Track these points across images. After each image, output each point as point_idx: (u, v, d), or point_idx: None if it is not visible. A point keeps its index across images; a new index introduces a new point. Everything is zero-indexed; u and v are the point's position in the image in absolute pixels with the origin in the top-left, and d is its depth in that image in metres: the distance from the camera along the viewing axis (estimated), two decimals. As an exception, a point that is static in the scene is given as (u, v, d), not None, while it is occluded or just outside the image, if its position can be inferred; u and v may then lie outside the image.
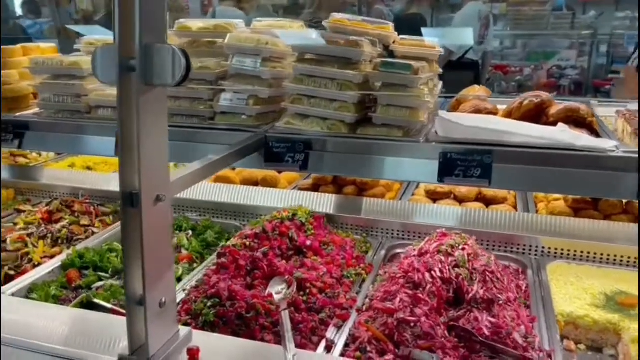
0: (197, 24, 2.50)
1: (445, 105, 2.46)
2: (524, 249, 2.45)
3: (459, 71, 6.75)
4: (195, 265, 2.39)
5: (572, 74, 10.13)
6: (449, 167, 1.88)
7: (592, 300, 2.04)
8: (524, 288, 2.15)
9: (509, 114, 2.11)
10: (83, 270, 2.36)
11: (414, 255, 2.07)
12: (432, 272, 1.94)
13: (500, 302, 1.89)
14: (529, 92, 2.17)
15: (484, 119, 1.98)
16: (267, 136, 2.11)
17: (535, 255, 2.43)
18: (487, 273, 1.99)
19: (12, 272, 2.34)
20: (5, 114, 2.62)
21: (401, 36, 2.35)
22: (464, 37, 5.02)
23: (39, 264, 2.41)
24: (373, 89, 2.18)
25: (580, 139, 1.83)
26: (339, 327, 1.88)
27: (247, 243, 2.25)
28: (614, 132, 2.07)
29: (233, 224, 2.82)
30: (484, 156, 1.85)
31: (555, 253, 2.42)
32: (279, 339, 1.75)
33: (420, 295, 1.87)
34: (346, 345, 1.79)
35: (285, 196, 2.91)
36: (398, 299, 1.87)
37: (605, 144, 1.80)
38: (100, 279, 2.30)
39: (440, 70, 2.41)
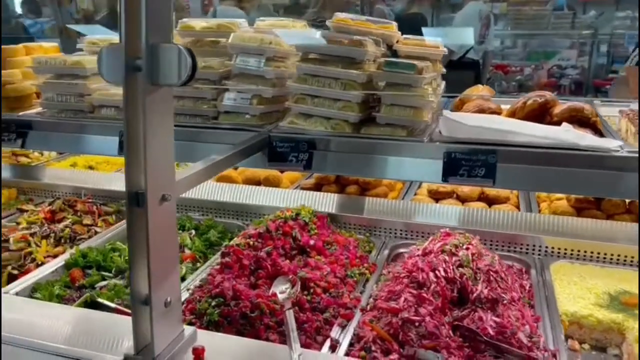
0: (200, 24, 2.51)
1: (448, 105, 2.47)
2: (527, 249, 2.45)
3: (459, 71, 6.75)
4: (198, 264, 2.39)
5: (573, 73, 10.14)
6: (453, 167, 1.88)
7: (596, 300, 2.05)
8: (527, 288, 2.16)
9: (512, 114, 2.11)
10: (86, 270, 2.36)
11: (418, 255, 2.07)
12: (436, 272, 1.94)
13: (505, 301, 1.89)
14: (533, 91, 2.17)
15: (488, 119, 1.98)
16: (270, 136, 2.11)
17: (539, 254, 2.43)
18: (491, 273, 1.99)
19: (15, 272, 2.34)
20: (8, 113, 2.63)
21: (404, 36, 2.35)
22: (464, 36, 5.02)
23: (42, 264, 2.41)
24: (377, 88, 2.18)
25: (584, 138, 1.83)
26: (343, 327, 1.88)
27: (251, 242, 2.25)
28: (617, 131, 2.07)
29: (236, 223, 2.82)
30: (488, 156, 1.85)
31: (559, 253, 2.42)
32: (283, 339, 1.75)
33: (425, 295, 1.87)
34: (351, 344, 1.79)
35: (287, 196, 2.91)
36: (402, 299, 1.87)
37: (609, 143, 1.80)
38: (103, 279, 2.30)
39: (444, 70, 2.41)
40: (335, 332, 1.84)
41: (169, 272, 1.52)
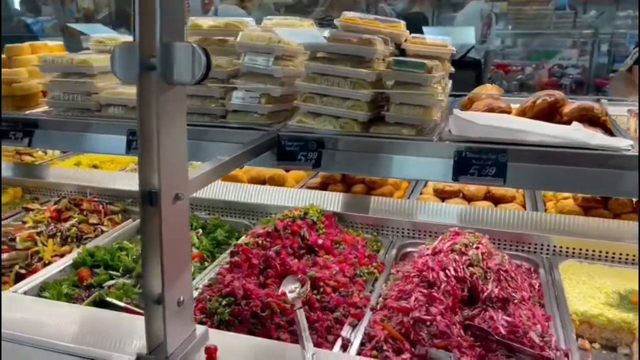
0: (207, 22, 2.50)
1: (454, 104, 2.46)
2: (535, 248, 2.45)
3: (461, 70, 6.73)
4: (206, 264, 2.39)
5: (574, 73, 10.15)
6: (463, 166, 1.88)
7: (606, 299, 2.05)
8: (536, 287, 2.15)
9: (522, 113, 2.11)
10: (94, 269, 2.36)
11: (428, 254, 2.07)
12: (447, 271, 1.94)
13: (515, 301, 1.89)
14: (541, 90, 2.16)
15: (498, 118, 1.98)
16: (279, 134, 2.11)
17: (547, 254, 2.43)
18: (502, 272, 1.99)
19: (23, 271, 2.34)
20: (14, 111, 2.62)
21: (412, 35, 2.34)
22: (465, 36, 5.02)
23: (50, 263, 2.41)
24: (385, 87, 2.18)
25: (594, 137, 1.83)
26: (353, 326, 1.88)
27: (259, 242, 2.25)
28: (626, 130, 2.07)
29: (242, 222, 2.82)
30: (498, 155, 1.85)
31: (567, 252, 2.42)
32: (294, 338, 1.75)
33: (435, 294, 1.87)
34: (362, 344, 1.79)
35: (294, 195, 2.91)
36: (413, 298, 1.87)
37: (620, 142, 1.80)
38: (111, 278, 2.30)
39: (452, 69, 2.41)
40: (346, 332, 1.84)
41: (181, 272, 1.52)
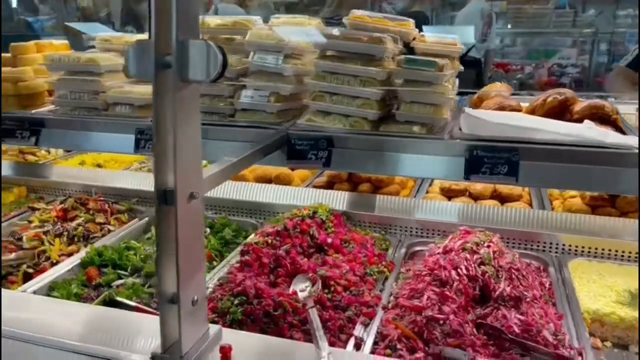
0: (215, 21, 2.49)
1: (463, 103, 2.46)
2: (543, 247, 2.45)
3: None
4: (214, 263, 2.38)
5: (573, 72, 10.16)
6: (475, 165, 1.87)
7: (617, 298, 2.04)
8: (547, 286, 2.15)
9: (532, 111, 2.11)
10: (102, 268, 2.35)
11: (439, 253, 2.07)
12: (459, 270, 1.94)
13: (528, 299, 1.89)
14: (552, 89, 2.16)
15: (510, 116, 1.97)
16: (289, 133, 2.10)
17: (556, 252, 2.43)
18: (513, 270, 1.98)
19: (30, 270, 2.33)
20: (20, 110, 2.61)
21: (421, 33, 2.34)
22: (466, 35, 5.02)
23: (57, 262, 2.40)
24: (393, 85, 2.17)
25: (607, 135, 1.82)
26: (365, 325, 1.88)
27: (269, 241, 2.25)
28: (636, 129, 2.07)
29: (249, 221, 2.81)
30: (511, 153, 1.84)
31: (576, 250, 2.42)
32: (307, 337, 1.75)
33: (448, 293, 1.86)
34: (375, 343, 1.78)
35: (301, 194, 2.90)
36: (425, 297, 1.86)
37: (632, 141, 1.79)
38: (119, 277, 2.29)
39: (462, 68, 2.40)
40: (358, 331, 1.84)
41: (196, 271, 1.51)
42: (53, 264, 2.38)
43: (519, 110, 2.13)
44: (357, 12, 2.26)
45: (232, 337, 1.61)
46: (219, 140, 2.22)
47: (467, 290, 1.90)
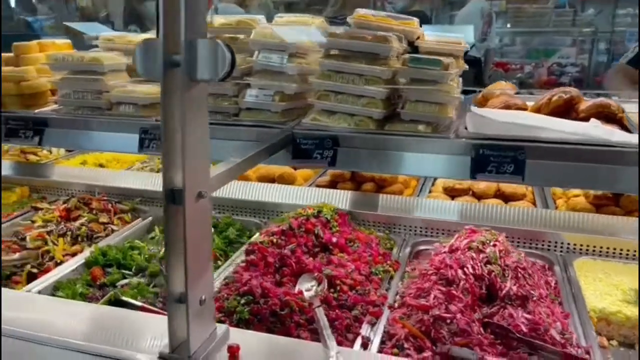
0: (219, 20, 2.49)
1: (467, 102, 2.45)
2: (548, 246, 2.45)
3: (461, 68, 6.76)
4: (219, 262, 2.37)
5: (573, 71, 10.16)
6: (481, 164, 1.87)
7: (623, 296, 2.04)
8: (552, 284, 2.15)
9: (537, 110, 2.10)
10: (106, 268, 2.35)
11: (445, 252, 2.06)
12: (465, 269, 1.94)
13: (534, 298, 1.89)
14: (557, 87, 2.16)
15: (516, 115, 1.97)
16: (294, 132, 2.10)
17: (560, 251, 2.43)
18: (519, 269, 1.98)
19: (35, 270, 2.32)
20: (23, 110, 2.60)
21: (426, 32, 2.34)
22: (466, 34, 5.01)
23: (61, 262, 2.39)
24: (398, 84, 2.17)
25: (613, 134, 1.82)
26: (372, 324, 1.87)
27: (274, 240, 2.24)
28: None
29: (253, 221, 2.81)
30: (517, 152, 1.84)
31: (581, 249, 2.42)
32: (314, 336, 1.75)
33: (454, 292, 1.86)
34: (382, 342, 1.78)
35: (304, 193, 2.90)
36: (432, 296, 1.86)
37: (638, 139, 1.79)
38: (124, 277, 2.28)
39: (466, 66, 2.40)
40: (365, 330, 1.83)
41: (203, 270, 1.51)
42: (57, 264, 2.38)
43: (525, 109, 2.12)
44: (361, 11, 2.26)
45: (239, 336, 1.61)
46: (224, 140, 2.21)
47: (473, 290, 1.90)
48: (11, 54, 2.83)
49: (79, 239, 2.63)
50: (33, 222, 2.80)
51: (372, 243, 2.41)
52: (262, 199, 2.91)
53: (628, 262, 2.32)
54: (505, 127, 1.87)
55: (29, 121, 2.49)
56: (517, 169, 1.84)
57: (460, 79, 2.54)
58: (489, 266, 1.96)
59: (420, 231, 2.63)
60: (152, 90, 2.40)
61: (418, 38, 2.33)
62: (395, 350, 1.71)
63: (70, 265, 2.33)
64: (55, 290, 2.16)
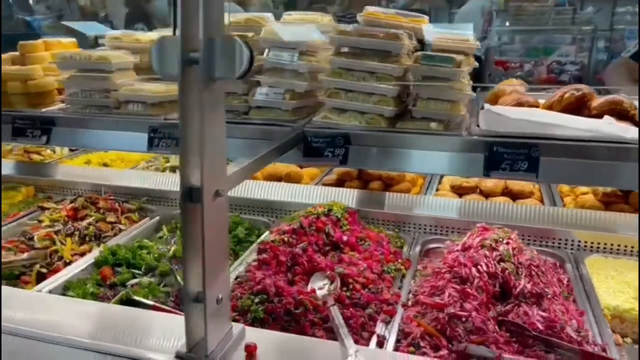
0: (226, 18, 2.47)
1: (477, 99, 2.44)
2: (559, 243, 2.45)
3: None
4: (229, 261, 2.36)
5: (572, 69, 10.16)
6: (495, 161, 1.86)
7: (636, 294, 2.04)
8: (565, 282, 2.14)
9: (549, 107, 2.09)
10: (116, 268, 2.33)
11: (458, 250, 2.06)
12: (479, 267, 1.93)
13: (549, 296, 1.88)
14: (569, 85, 2.15)
15: (530, 112, 1.96)
16: (305, 131, 2.09)
17: (571, 249, 2.43)
18: (533, 267, 1.98)
19: (44, 270, 2.31)
20: (29, 109, 2.59)
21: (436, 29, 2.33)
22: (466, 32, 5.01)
23: (70, 262, 2.38)
24: (409, 82, 2.16)
25: (627, 131, 1.82)
26: (386, 323, 1.87)
27: (285, 239, 2.23)
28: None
29: (262, 219, 2.80)
30: (531, 149, 1.83)
31: (592, 247, 2.42)
32: (330, 335, 1.74)
33: (469, 290, 1.86)
34: (397, 340, 1.77)
35: (312, 192, 2.89)
36: (447, 294, 1.86)
37: (652, 136, 1.79)
38: (134, 276, 2.27)
39: (476, 64, 2.39)
40: (379, 328, 1.83)
41: (220, 269, 1.50)
42: (66, 264, 2.37)
43: (537, 107, 2.12)
44: (370, 9, 2.25)
45: (255, 335, 1.60)
46: (234, 138, 2.20)
47: (487, 288, 1.89)
48: (17, 53, 2.81)
49: (87, 238, 2.62)
50: (40, 221, 2.79)
51: (382, 241, 2.40)
52: (270, 197, 2.90)
53: (639, 260, 2.32)
54: (519, 125, 1.86)
55: (36, 120, 2.47)
56: (531, 167, 1.83)
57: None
58: (502, 264, 1.96)
59: (430, 229, 2.63)
60: (160, 88, 2.39)
61: (428, 36, 2.32)
62: (412, 348, 1.70)
63: (80, 265, 2.32)
64: (65, 290, 2.15)
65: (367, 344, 1.75)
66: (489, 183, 3.04)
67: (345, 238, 2.31)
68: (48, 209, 2.91)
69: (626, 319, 1.96)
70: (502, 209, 2.63)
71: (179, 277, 2.19)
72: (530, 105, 2.10)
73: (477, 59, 7.73)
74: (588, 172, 1.82)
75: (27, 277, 2.29)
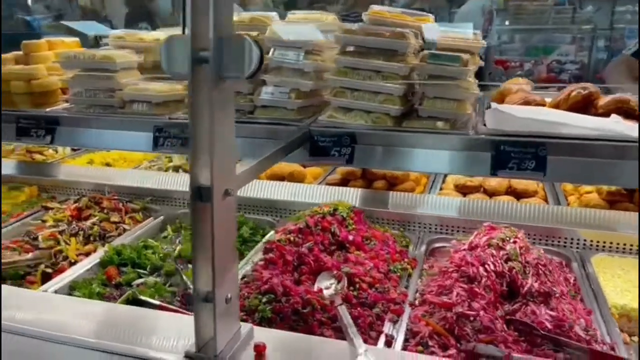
0: (231, 17, 2.47)
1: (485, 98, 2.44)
2: (564, 242, 2.45)
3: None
4: (235, 261, 2.36)
5: (572, 68, 10.16)
6: (502, 160, 1.86)
7: (644, 292, 2.04)
8: (572, 281, 2.14)
9: (556, 106, 2.09)
10: (120, 268, 2.33)
11: (464, 249, 2.05)
12: (486, 266, 1.93)
13: (557, 295, 1.88)
14: (576, 83, 2.15)
15: (537, 111, 1.96)
16: (311, 130, 2.09)
17: (577, 248, 2.42)
18: (540, 266, 1.98)
19: (49, 270, 2.31)
20: (33, 109, 2.58)
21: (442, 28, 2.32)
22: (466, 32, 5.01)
23: (76, 262, 2.38)
24: (415, 81, 2.16)
25: (634, 129, 1.81)
26: (394, 322, 1.86)
27: (292, 238, 2.23)
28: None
29: (265, 219, 2.80)
30: (538, 148, 1.83)
31: (597, 246, 2.41)
32: (338, 335, 1.73)
33: (477, 289, 1.85)
34: (405, 340, 1.77)
35: (317, 191, 2.89)
36: (455, 293, 1.85)
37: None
38: (139, 276, 2.27)
39: (482, 63, 2.38)
40: (387, 328, 1.83)
41: (229, 269, 1.50)
42: (71, 264, 2.36)
43: (543, 105, 2.11)
44: (376, 7, 2.24)
45: (264, 335, 1.59)
46: (239, 138, 2.18)
47: (495, 287, 1.89)
48: (20, 52, 2.81)
49: (91, 238, 2.62)
50: (44, 221, 2.78)
51: (388, 241, 2.40)
52: (274, 197, 2.90)
53: (645, 259, 2.32)
54: (526, 123, 1.85)
55: (40, 120, 2.47)
56: (539, 166, 1.83)
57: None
58: (509, 263, 1.95)
59: (435, 229, 2.63)
60: (164, 88, 2.39)
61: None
62: (420, 348, 1.70)
63: (85, 264, 2.32)
64: (71, 290, 2.15)
65: (375, 344, 1.75)
66: (493, 182, 3.03)
67: (351, 237, 2.31)
68: (52, 208, 2.90)
69: (634, 317, 1.95)
70: (507, 208, 2.62)
71: (184, 277, 2.18)
72: (537, 104, 2.10)
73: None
74: (595, 171, 1.82)
75: (32, 277, 2.28)
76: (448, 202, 2.72)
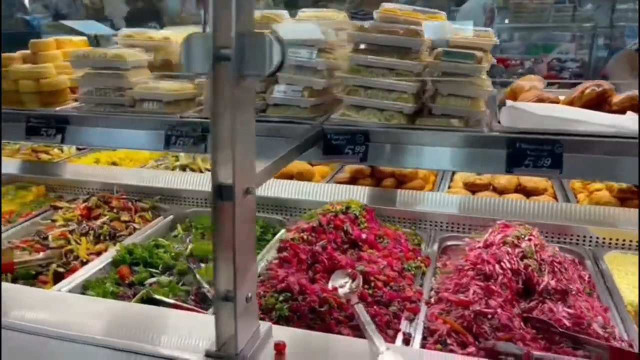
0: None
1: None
2: (577, 240, 2.44)
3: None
4: (247, 259, 2.35)
5: (573, 66, 10.16)
6: (518, 158, 1.85)
7: (658, 290, 2.04)
8: (586, 278, 2.14)
9: (570, 103, 2.09)
10: (133, 267, 2.32)
11: (479, 247, 2.05)
12: (502, 264, 1.92)
13: (573, 292, 1.88)
14: (589, 80, 2.15)
15: (552, 108, 1.96)
16: (324, 128, 2.08)
17: (589, 245, 2.42)
18: (555, 264, 1.98)
19: (61, 270, 2.30)
20: (42, 108, 2.57)
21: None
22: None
23: (87, 261, 2.37)
24: (429, 78, 2.15)
25: (651, 127, 1.81)
26: (410, 320, 1.86)
27: (305, 237, 2.22)
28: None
29: (276, 218, 2.79)
30: (555, 145, 1.83)
31: (610, 243, 2.41)
32: (356, 333, 1.73)
33: (493, 287, 1.85)
34: (423, 338, 1.77)
35: (326, 190, 2.88)
36: (471, 291, 1.85)
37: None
38: (152, 275, 2.26)
39: (494, 60, 2.38)
40: (404, 326, 1.82)
41: (249, 267, 1.50)
42: (83, 263, 2.36)
43: (557, 103, 2.11)
44: (387, 5, 2.24)
45: (282, 333, 1.59)
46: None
47: (511, 284, 1.89)
48: (28, 51, 2.79)
49: (102, 237, 2.61)
50: (54, 221, 2.77)
51: (400, 239, 2.40)
52: (283, 195, 2.89)
53: (658, 256, 2.32)
54: (541, 120, 1.85)
55: (50, 119, 2.46)
56: (555, 163, 1.83)
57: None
58: (525, 260, 1.95)
59: (446, 227, 2.62)
60: (175, 86, 2.38)
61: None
62: (439, 346, 1.70)
63: (97, 264, 2.31)
64: (84, 289, 2.14)
65: (393, 342, 1.74)
66: (502, 180, 3.03)
67: (364, 236, 2.31)
68: (61, 208, 2.89)
69: (650, 314, 1.95)
70: (518, 206, 2.62)
71: (198, 276, 2.18)
72: (551, 102, 2.09)
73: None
74: (611, 168, 1.82)
75: (44, 277, 2.27)
76: (458, 200, 2.71)
